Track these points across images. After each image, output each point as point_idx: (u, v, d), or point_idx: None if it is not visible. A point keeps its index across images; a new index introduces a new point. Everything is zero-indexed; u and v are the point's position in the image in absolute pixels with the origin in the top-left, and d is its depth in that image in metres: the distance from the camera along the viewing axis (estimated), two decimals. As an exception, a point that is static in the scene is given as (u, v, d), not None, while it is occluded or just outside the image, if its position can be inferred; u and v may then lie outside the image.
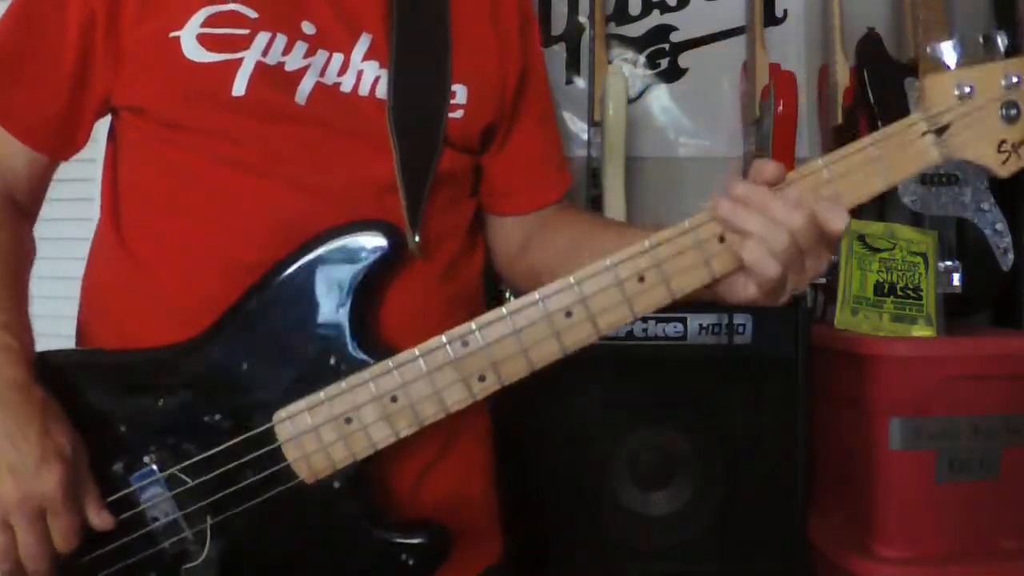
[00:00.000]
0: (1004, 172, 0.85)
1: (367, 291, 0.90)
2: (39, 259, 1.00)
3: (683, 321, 1.54)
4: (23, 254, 0.98)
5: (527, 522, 1.46)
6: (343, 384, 0.87)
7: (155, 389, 0.91)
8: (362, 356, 0.88)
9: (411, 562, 0.90)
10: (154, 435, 0.89)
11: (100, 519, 0.87)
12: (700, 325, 1.54)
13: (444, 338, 0.86)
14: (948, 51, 0.88)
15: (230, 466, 0.88)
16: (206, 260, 0.92)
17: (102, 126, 1.02)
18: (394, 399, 0.86)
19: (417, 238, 0.93)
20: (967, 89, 0.83)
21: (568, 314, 0.85)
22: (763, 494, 1.55)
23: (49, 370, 0.90)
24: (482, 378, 0.86)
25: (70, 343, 0.99)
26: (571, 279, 0.84)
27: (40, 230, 1.02)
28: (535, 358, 0.86)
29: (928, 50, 0.88)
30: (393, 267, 0.92)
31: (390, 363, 0.86)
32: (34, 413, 0.85)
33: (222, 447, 0.88)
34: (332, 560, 0.91)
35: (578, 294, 0.84)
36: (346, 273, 0.89)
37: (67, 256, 1.12)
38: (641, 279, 0.84)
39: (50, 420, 0.85)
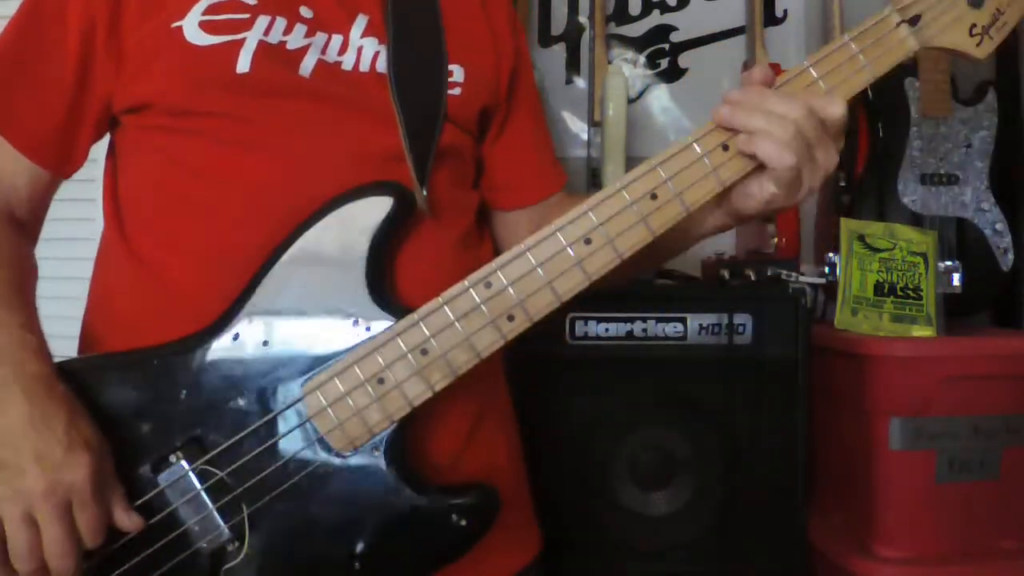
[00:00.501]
0: (980, 54, 0.91)
1: (382, 251, 0.89)
2: (39, 259, 1.00)
3: (683, 321, 1.54)
4: (27, 269, 0.97)
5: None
6: (371, 345, 0.85)
7: (175, 383, 0.87)
8: (385, 315, 0.86)
9: (463, 522, 0.87)
10: (179, 430, 0.86)
11: (129, 520, 0.84)
12: (700, 325, 1.54)
13: (467, 282, 0.85)
14: None
15: (261, 449, 0.85)
16: (214, 247, 0.92)
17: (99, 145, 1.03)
18: (424, 352, 0.85)
19: (425, 192, 0.93)
20: None
21: (587, 241, 0.85)
22: (763, 494, 1.55)
23: (67, 378, 0.86)
24: (511, 318, 0.85)
25: (71, 343, 0.99)
26: (584, 207, 0.85)
27: (42, 230, 1.03)
28: (561, 290, 0.85)
29: None
30: (405, 225, 0.91)
31: (415, 316, 0.85)
32: (60, 405, 0.83)
33: (250, 429, 0.85)
34: (383, 533, 0.87)
35: (593, 220, 0.85)
36: (359, 235, 0.88)
37: (68, 256, 1.12)
38: (654, 196, 0.85)
39: (75, 413, 0.84)
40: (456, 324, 0.85)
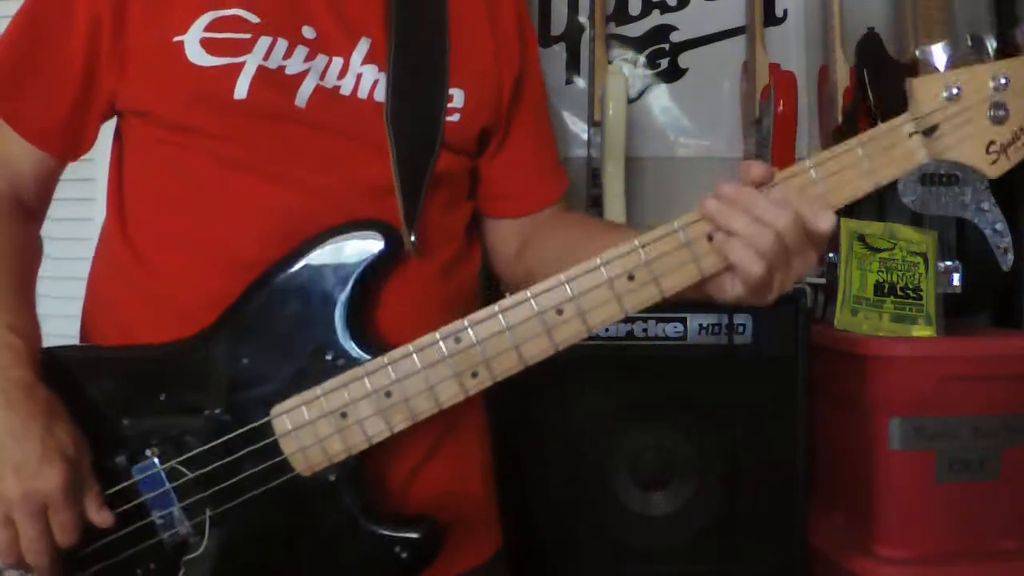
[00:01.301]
0: (993, 173, 0.86)
1: (364, 289, 0.92)
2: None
3: (683, 321, 1.54)
4: (31, 254, 1.00)
5: (527, 522, 1.46)
6: (339, 380, 0.89)
7: (157, 384, 0.92)
8: (358, 352, 0.90)
9: (404, 555, 0.91)
10: (156, 428, 0.91)
11: (100, 517, 0.89)
12: (700, 325, 1.54)
13: (437, 335, 0.87)
14: (938, 53, 0.89)
15: (229, 459, 0.90)
16: (207, 258, 0.94)
17: (105, 128, 1.03)
18: (388, 394, 0.88)
19: (413, 238, 0.95)
20: (955, 91, 0.84)
21: (559, 311, 0.86)
22: (763, 494, 1.55)
23: (55, 365, 0.91)
24: (475, 374, 0.88)
25: (70, 342, 0.99)
26: (561, 277, 0.86)
27: (42, 230, 1.03)
28: (527, 354, 0.87)
29: (918, 53, 0.89)
30: (390, 266, 0.94)
31: (384, 359, 0.88)
32: (38, 412, 0.86)
33: (221, 440, 0.90)
34: (327, 552, 0.93)
35: (568, 292, 0.86)
36: (344, 271, 0.91)
37: (68, 256, 1.12)
38: (631, 277, 0.85)
39: (53, 419, 0.87)
40: (422, 373, 0.88)
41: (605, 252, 0.85)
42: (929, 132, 0.84)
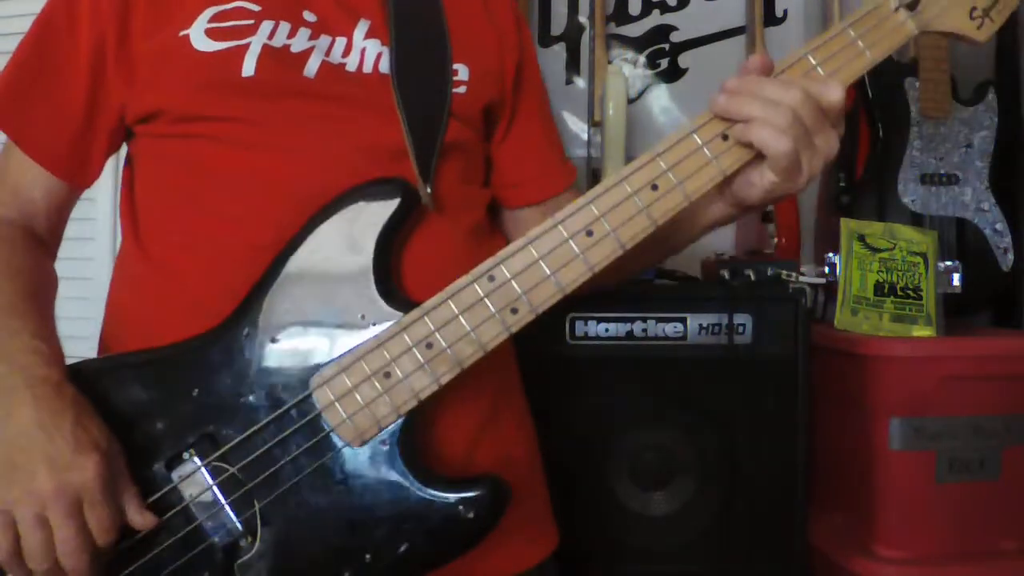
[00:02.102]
0: (981, 36, 0.89)
1: (388, 246, 0.90)
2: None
3: (683, 321, 1.54)
4: (44, 280, 0.98)
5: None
6: (376, 339, 0.86)
7: (187, 380, 0.89)
8: (391, 310, 0.88)
9: (470, 515, 0.88)
10: (191, 427, 0.88)
11: (142, 518, 0.85)
12: (700, 325, 1.54)
13: (470, 276, 0.86)
14: None
15: (272, 443, 0.87)
16: (225, 249, 0.93)
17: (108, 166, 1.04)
18: (430, 345, 0.86)
19: (429, 190, 0.94)
20: None
21: (589, 233, 0.85)
22: (763, 494, 1.55)
23: (80, 379, 0.88)
24: (514, 310, 0.86)
25: (70, 342, 0.99)
26: (585, 199, 0.85)
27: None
28: (563, 281, 0.86)
29: None
30: (409, 221, 0.92)
31: (419, 311, 0.86)
32: (66, 406, 0.84)
33: (260, 424, 0.87)
34: (391, 525, 0.88)
35: (595, 212, 0.85)
36: (364, 231, 0.89)
37: (68, 256, 1.12)
38: (654, 187, 0.85)
39: (83, 413, 0.85)
40: (460, 318, 0.86)
41: (624, 168, 0.85)
42: (912, 6, 0.86)
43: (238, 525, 0.87)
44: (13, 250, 0.96)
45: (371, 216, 0.89)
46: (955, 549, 1.54)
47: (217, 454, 0.87)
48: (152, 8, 0.95)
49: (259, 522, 0.87)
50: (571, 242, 0.85)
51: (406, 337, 0.86)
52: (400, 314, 0.87)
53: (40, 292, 0.95)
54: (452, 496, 0.88)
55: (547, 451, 1.48)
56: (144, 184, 1.00)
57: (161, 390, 0.89)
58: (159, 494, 0.87)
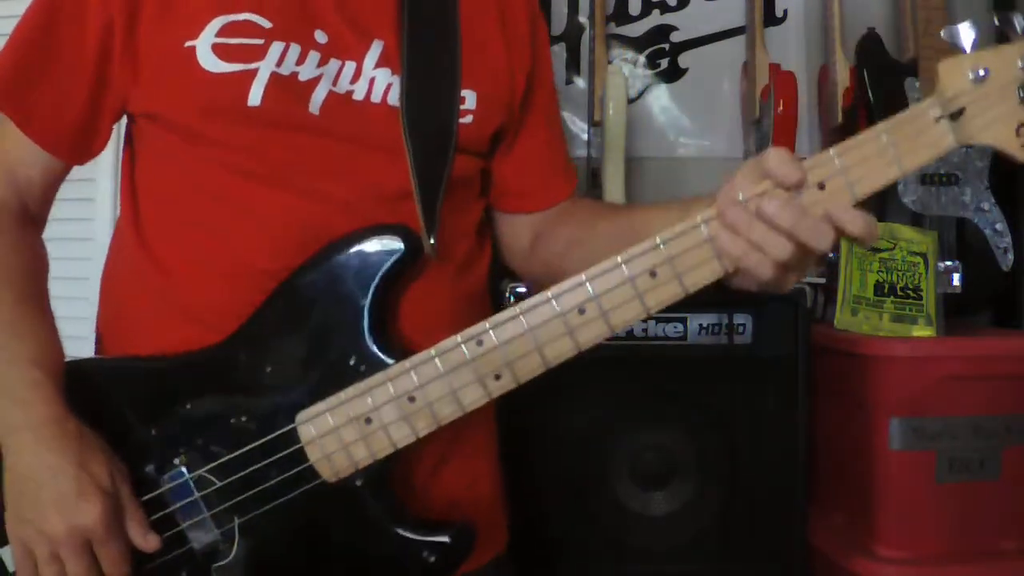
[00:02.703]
0: (1023, 156, 0.82)
1: (385, 293, 0.91)
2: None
3: (683, 321, 1.54)
4: (40, 265, 0.99)
5: (527, 522, 1.46)
6: (362, 385, 0.88)
7: (183, 393, 0.92)
8: (381, 357, 0.90)
9: (432, 559, 0.91)
10: (184, 437, 0.92)
11: (147, 542, 0.89)
12: (700, 325, 1.54)
13: (459, 338, 0.86)
14: (965, 32, 0.85)
15: (255, 467, 0.90)
16: (221, 268, 0.94)
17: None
18: (412, 399, 0.87)
19: (433, 240, 0.94)
20: (982, 72, 0.80)
21: (581, 311, 0.85)
22: (763, 494, 1.55)
23: (81, 376, 0.92)
24: (497, 377, 0.87)
25: (74, 342, 0.99)
26: (582, 276, 0.85)
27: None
28: (549, 356, 0.86)
29: (943, 34, 0.84)
30: (410, 269, 0.93)
31: (407, 364, 0.88)
32: (69, 447, 0.87)
33: (247, 448, 0.90)
34: (356, 558, 0.93)
35: (589, 291, 0.84)
36: (365, 276, 0.91)
37: (69, 256, 1.12)
38: (653, 274, 0.83)
39: (86, 452, 0.87)
40: (445, 377, 0.87)
41: (625, 250, 0.84)
42: (956, 116, 0.81)
43: (218, 535, 0.92)
44: (7, 243, 0.96)
45: (374, 262, 0.91)
46: (955, 549, 1.54)
47: (205, 468, 0.91)
48: (161, 6, 0.93)
49: (237, 535, 0.91)
50: (562, 318, 0.85)
51: (391, 387, 0.88)
52: (390, 362, 0.89)
53: (36, 286, 0.96)
54: (418, 538, 0.91)
55: (547, 451, 1.48)
56: (146, 179, 0.99)
57: (159, 399, 0.93)
58: (150, 495, 0.91)
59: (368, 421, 0.88)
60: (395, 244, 0.91)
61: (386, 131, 0.95)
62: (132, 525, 0.89)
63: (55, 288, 0.99)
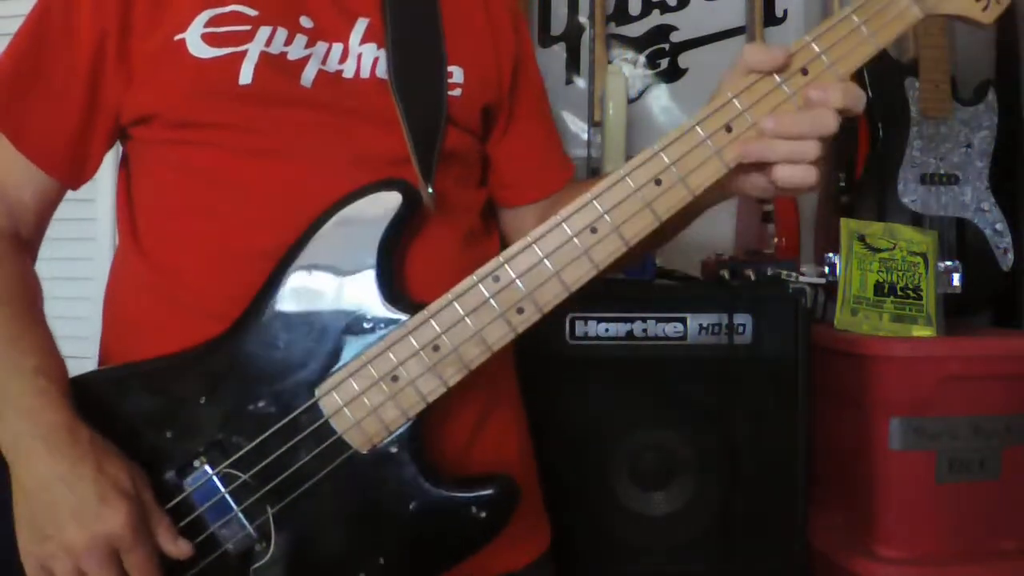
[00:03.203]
0: (987, 19, 0.87)
1: (391, 249, 0.90)
2: (41, 260, 1.00)
3: (683, 321, 1.54)
4: (34, 293, 0.96)
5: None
6: (383, 344, 0.86)
7: (194, 389, 0.89)
8: (396, 314, 0.87)
9: (482, 515, 0.88)
10: (201, 436, 0.88)
11: (177, 548, 0.85)
12: (700, 325, 1.54)
13: (475, 277, 0.85)
14: None
15: (281, 451, 0.87)
16: (225, 254, 0.92)
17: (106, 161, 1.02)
18: (436, 348, 0.86)
19: (431, 190, 0.93)
20: None
21: (593, 230, 0.85)
22: (763, 494, 1.55)
23: (86, 391, 0.88)
24: (520, 310, 0.86)
25: (74, 342, 0.99)
26: (588, 196, 0.85)
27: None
28: (569, 280, 0.85)
29: None
30: (412, 222, 0.92)
31: (425, 313, 0.86)
32: (84, 453, 0.82)
33: (269, 432, 0.87)
34: (402, 529, 0.89)
35: (598, 209, 0.84)
36: (367, 235, 0.89)
37: (69, 256, 1.12)
38: (658, 182, 0.84)
39: (102, 457, 0.83)
40: (466, 319, 0.85)
41: (627, 164, 0.84)
42: None
43: (252, 532, 0.87)
44: (2, 268, 0.94)
45: (373, 218, 0.89)
46: (955, 549, 1.54)
47: (227, 462, 0.87)
48: (151, 6, 0.93)
49: (272, 528, 0.87)
50: (575, 240, 0.84)
51: (412, 340, 0.86)
52: (405, 317, 0.87)
53: (32, 306, 0.94)
54: (464, 496, 0.88)
55: (547, 451, 1.48)
56: (140, 187, 0.99)
57: (168, 399, 0.89)
58: (174, 502, 0.87)
59: (395, 379, 0.86)
60: (393, 197, 0.89)
61: (378, 103, 0.96)
62: (160, 531, 0.84)
63: (55, 287, 0.99)
